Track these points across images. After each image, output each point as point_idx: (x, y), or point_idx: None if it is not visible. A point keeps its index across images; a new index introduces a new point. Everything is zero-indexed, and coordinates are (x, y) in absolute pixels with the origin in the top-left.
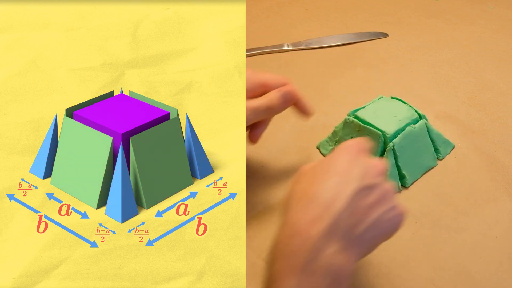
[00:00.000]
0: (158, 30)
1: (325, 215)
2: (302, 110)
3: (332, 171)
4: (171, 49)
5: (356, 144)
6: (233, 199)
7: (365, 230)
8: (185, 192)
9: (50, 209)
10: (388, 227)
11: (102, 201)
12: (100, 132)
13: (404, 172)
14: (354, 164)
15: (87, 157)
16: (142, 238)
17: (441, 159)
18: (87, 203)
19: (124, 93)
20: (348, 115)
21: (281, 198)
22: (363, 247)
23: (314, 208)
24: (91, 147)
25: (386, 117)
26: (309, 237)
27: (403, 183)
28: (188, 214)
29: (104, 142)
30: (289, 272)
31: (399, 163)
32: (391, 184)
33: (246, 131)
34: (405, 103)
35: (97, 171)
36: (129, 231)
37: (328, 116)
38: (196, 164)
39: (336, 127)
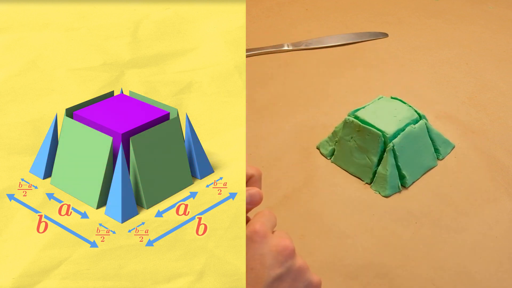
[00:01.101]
0: (158, 30)
1: None
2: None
3: (247, 270)
4: (171, 49)
5: (257, 229)
6: (233, 199)
7: None
8: (185, 192)
9: (50, 209)
10: None
11: (102, 201)
12: (100, 132)
13: (404, 172)
14: (260, 256)
15: (87, 157)
16: (142, 238)
17: (441, 159)
18: (87, 203)
19: (124, 93)
20: (348, 115)
21: (281, 198)
22: None
23: None
24: (91, 147)
25: (386, 117)
26: None
27: (403, 183)
28: (188, 214)
29: (104, 142)
30: None
31: (399, 163)
32: (301, 260)
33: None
34: (405, 103)
35: (97, 171)
36: (129, 231)
37: (328, 116)
38: (196, 164)
39: (336, 127)
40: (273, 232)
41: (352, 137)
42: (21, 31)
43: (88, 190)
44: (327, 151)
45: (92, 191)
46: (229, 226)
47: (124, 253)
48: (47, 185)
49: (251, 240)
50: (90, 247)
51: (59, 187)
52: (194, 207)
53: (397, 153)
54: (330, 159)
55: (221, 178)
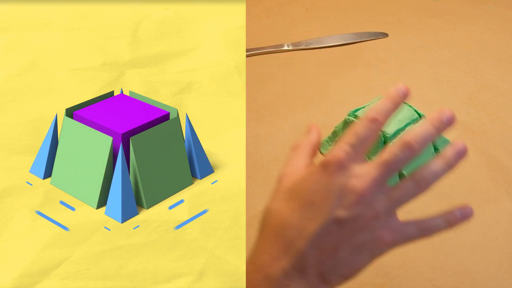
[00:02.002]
0: (158, 30)
1: (286, 254)
2: None
3: (300, 202)
4: (171, 49)
5: (336, 159)
6: (233, 199)
7: (338, 263)
8: (185, 192)
9: (50, 209)
10: (366, 255)
11: (102, 201)
12: (100, 132)
13: (404, 172)
14: (329, 192)
15: (87, 157)
16: (142, 238)
17: None
18: (87, 203)
19: (124, 93)
20: (348, 115)
21: None
22: (338, 279)
23: (276, 244)
24: (91, 147)
25: None
26: (269, 277)
27: None
28: (188, 214)
29: (104, 142)
30: None
31: None
32: (374, 212)
33: None
34: (405, 103)
35: (97, 171)
36: (129, 231)
37: (328, 116)
38: (196, 164)
39: (336, 127)
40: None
41: None
42: (21, 31)
43: (88, 190)
44: (327, 151)
45: (92, 191)
46: (229, 226)
47: (124, 253)
48: (47, 185)
49: (324, 169)
50: (90, 247)
51: (59, 187)
52: (194, 207)
53: None
54: None
55: (221, 178)
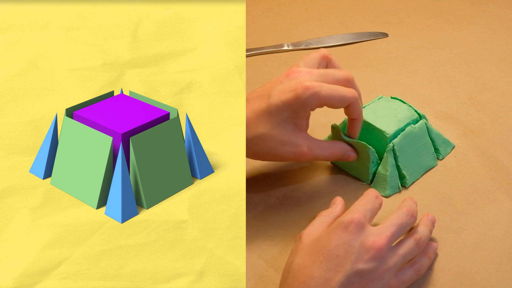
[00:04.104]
0: (158, 30)
1: None
2: (352, 130)
3: (325, 255)
4: (171, 49)
5: (356, 220)
6: (233, 199)
7: None
8: (185, 192)
9: (50, 209)
10: None
11: (102, 201)
12: (100, 132)
13: (404, 172)
14: (351, 247)
15: (87, 157)
16: (142, 238)
17: (441, 159)
18: (87, 203)
19: (124, 93)
20: None
21: (281, 198)
22: None
23: None
24: (91, 147)
25: (386, 117)
26: None
27: (403, 183)
28: (188, 214)
29: (104, 142)
30: None
31: (399, 163)
32: (387, 266)
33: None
34: (405, 103)
35: (97, 171)
36: (129, 231)
37: (328, 116)
38: (196, 164)
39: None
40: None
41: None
42: (21, 31)
43: (88, 190)
44: None
45: (92, 191)
46: (229, 226)
47: (124, 253)
48: (47, 185)
49: (346, 228)
50: (90, 247)
51: (59, 187)
52: (194, 207)
53: (397, 153)
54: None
55: (221, 178)
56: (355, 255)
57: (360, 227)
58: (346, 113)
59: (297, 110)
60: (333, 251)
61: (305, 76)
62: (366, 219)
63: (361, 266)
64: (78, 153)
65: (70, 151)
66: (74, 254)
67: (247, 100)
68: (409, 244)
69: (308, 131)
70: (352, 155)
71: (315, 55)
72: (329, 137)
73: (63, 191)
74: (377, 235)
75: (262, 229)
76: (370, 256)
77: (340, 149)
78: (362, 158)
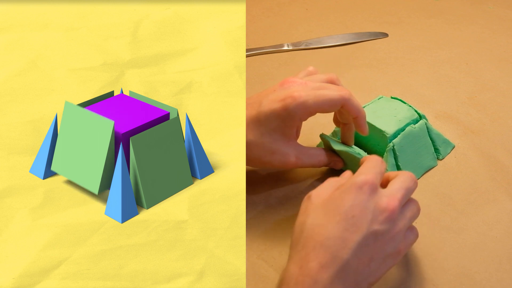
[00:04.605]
0: (158, 30)
1: (333, 263)
2: (359, 128)
3: (341, 215)
4: (171, 49)
5: (370, 181)
6: (233, 199)
7: (369, 272)
8: (185, 192)
9: (50, 209)
10: (389, 265)
11: (104, 186)
12: (101, 116)
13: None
14: (366, 208)
15: (88, 141)
16: (142, 238)
17: (441, 159)
18: (88, 188)
19: (124, 93)
20: None
21: (281, 198)
22: (367, 285)
23: (322, 253)
24: (92, 131)
25: (386, 117)
26: (318, 282)
27: None
28: (188, 214)
29: (105, 126)
30: None
31: (399, 163)
32: (398, 228)
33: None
34: (405, 103)
35: (99, 155)
36: (129, 231)
37: (328, 116)
38: (196, 164)
39: (336, 127)
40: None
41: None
42: (21, 31)
43: (90, 175)
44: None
45: (93, 175)
46: (229, 226)
47: (124, 253)
48: (47, 185)
49: (360, 189)
50: (90, 247)
51: (60, 173)
52: (194, 207)
53: (397, 153)
54: None
55: (221, 178)
56: (370, 216)
57: (373, 188)
58: (343, 116)
59: (285, 120)
60: (349, 211)
61: (297, 87)
62: (378, 181)
63: (376, 227)
64: (79, 138)
65: (71, 136)
66: (74, 254)
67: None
68: (413, 207)
69: (309, 131)
70: (338, 164)
71: (323, 77)
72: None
73: (65, 177)
74: (390, 197)
75: (262, 229)
76: (384, 218)
77: (327, 156)
78: (351, 167)
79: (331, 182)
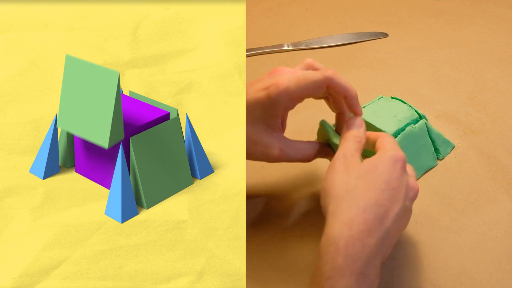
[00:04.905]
0: (158, 30)
1: (379, 230)
2: (351, 108)
3: (384, 184)
4: (171, 49)
5: (403, 158)
6: (233, 199)
7: (391, 243)
8: (185, 192)
9: (50, 209)
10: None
11: (113, 139)
12: (106, 68)
13: None
14: (402, 183)
15: (94, 94)
16: (142, 238)
17: (441, 159)
18: (97, 142)
19: (124, 93)
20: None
21: (281, 198)
22: (385, 260)
23: (370, 218)
24: (97, 84)
25: (386, 117)
26: (366, 246)
27: None
28: (188, 214)
29: (111, 77)
30: (348, 273)
31: None
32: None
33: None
34: (405, 103)
35: (106, 108)
36: (129, 231)
37: (328, 116)
38: (196, 164)
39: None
40: None
41: None
42: (21, 31)
43: (98, 129)
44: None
45: (102, 129)
46: (229, 226)
47: (124, 253)
48: (47, 185)
49: (396, 163)
50: (90, 247)
51: (67, 130)
52: (194, 207)
53: None
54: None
55: (221, 178)
56: (404, 191)
57: (404, 165)
58: (335, 101)
59: (269, 109)
60: (390, 183)
61: (284, 75)
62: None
63: (407, 203)
64: (83, 92)
65: (75, 90)
66: (74, 254)
67: None
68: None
69: (309, 131)
70: (327, 158)
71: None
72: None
73: (74, 133)
74: (413, 178)
75: (262, 229)
76: (411, 196)
77: (316, 151)
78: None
79: (356, 144)
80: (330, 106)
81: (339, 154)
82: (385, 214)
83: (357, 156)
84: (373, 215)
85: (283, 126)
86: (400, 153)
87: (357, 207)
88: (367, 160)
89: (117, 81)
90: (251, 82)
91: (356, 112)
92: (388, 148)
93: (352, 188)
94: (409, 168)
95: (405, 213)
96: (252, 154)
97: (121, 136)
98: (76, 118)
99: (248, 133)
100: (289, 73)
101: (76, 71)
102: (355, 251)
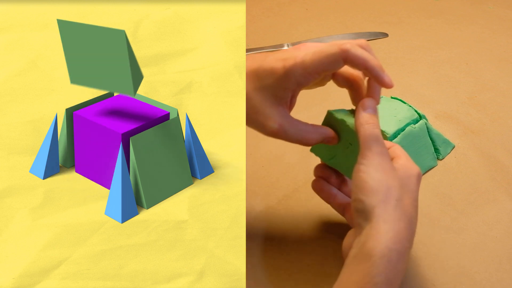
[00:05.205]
0: (158, 30)
1: (410, 247)
2: (377, 79)
3: (415, 202)
4: (171, 49)
5: (421, 175)
6: (233, 199)
7: None
8: (185, 192)
9: (50, 209)
10: None
11: (136, 85)
12: (110, 28)
13: None
14: (417, 197)
15: (104, 52)
16: (142, 238)
17: (441, 159)
18: (123, 92)
19: None
20: None
21: (281, 198)
22: None
23: (411, 236)
24: (103, 42)
25: (386, 117)
26: (406, 263)
27: None
28: (188, 214)
29: (117, 36)
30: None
31: None
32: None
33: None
34: (405, 103)
35: (122, 62)
36: (129, 231)
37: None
38: (196, 164)
39: None
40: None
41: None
42: (21, 31)
43: (120, 81)
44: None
45: (124, 81)
46: (229, 226)
47: (124, 253)
48: (47, 185)
49: (419, 180)
50: (90, 247)
51: (84, 85)
52: (194, 207)
53: None
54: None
55: (221, 178)
56: (416, 204)
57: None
58: (350, 75)
59: (281, 80)
60: (416, 201)
61: (307, 49)
62: None
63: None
64: (91, 51)
65: (81, 50)
66: (74, 254)
67: (250, 56)
68: None
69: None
70: (333, 141)
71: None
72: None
73: (89, 87)
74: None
75: (262, 229)
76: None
77: (318, 135)
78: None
79: (382, 154)
80: (351, 98)
81: (371, 147)
82: (415, 222)
83: (385, 148)
84: (412, 232)
85: (291, 103)
86: (419, 169)
87: (405, 221)
88: (399, 172)
89: (125, 39)
90: (273, 52)
91: (383, 84)
92: (410, 164)
93: (398, 198)
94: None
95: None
96: (251, 122)
97: (141, 76)
98: (90, 74)
99: (253, 98)
100: (312, 48)
101: (76, 34)
102: (402, 267)
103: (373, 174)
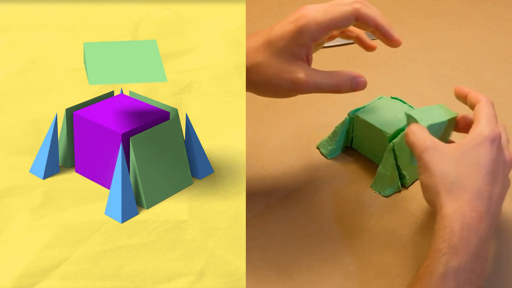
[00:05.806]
0: (158, 30)
1: (487, 215)
2: (387, 36)
3: (484, 169)
4: (171, 49)
5: (499, 136)
6: (233, 199)
7: (496, 223)
8: (185, 192)
9: (50, 209)
10: None
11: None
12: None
13: (404, 172)
14: (499, 163)
15: (132, 53)
16: (142, 238)
17: None
18: (155, 80)
19: (124, 93)
20: (348, 115)
21: (281, 198)
22: None
23: (479, 206)
24: (133, 47)
25: (386, 117)
26: (479, 231)
27: (403, 183)
28: (188, 214)
29: (148, 42)
30: (463, 252)
31: (399, 163)
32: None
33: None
34: (405, 103)
35: (151, 52)
36: (129, 231)
37: (328, 116)
38: (196, 164)
39: (336, 127)
40: None
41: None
42: (21, 31)
43: (149, 71)
44: (327, 151)
45: (155, 69)
46: (229, 226)
47: (124, 253)
48: (47, 185)
49: (493, 143)
50: (90, 247)
51: (103, 83)
52: (194, 207)
53: (397, 153)
54: (330, 158)
55: (221, 178)
56: (502, 170)
57: (500, 143)
58: (362, 30)
59: (296, 38)
60: (490, 166)
61: (314, 8)
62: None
63: (506, 180)
64: (118, 55)
65: (102, 56)
66: (74, 254)
67: (251, 35)
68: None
69: (309, 131)
70: (362, 81)
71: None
72: (329, 137)
73: (112, 83)
74: (508, 151)
75: (262, 229)
76: (508, 171)
77: (347, 75)
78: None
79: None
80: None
81: (429, 144)
82: (489, 198)
83: (439, 142)
84: (480, 202)
85: (308, 59)
86: (496, 131)
87: (465, 198)
88: (462, 144)
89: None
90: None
91: (392, 40)
92: (484, 124)
93: (455, 179)
94: (504, 139)
95: (506, 188)
96: (278, 84)
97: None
98: (113, 70)
99: (273, 63)
100: (319, 7)
101: (101, 52)
102: (469, 235)
103: (430, 171)
